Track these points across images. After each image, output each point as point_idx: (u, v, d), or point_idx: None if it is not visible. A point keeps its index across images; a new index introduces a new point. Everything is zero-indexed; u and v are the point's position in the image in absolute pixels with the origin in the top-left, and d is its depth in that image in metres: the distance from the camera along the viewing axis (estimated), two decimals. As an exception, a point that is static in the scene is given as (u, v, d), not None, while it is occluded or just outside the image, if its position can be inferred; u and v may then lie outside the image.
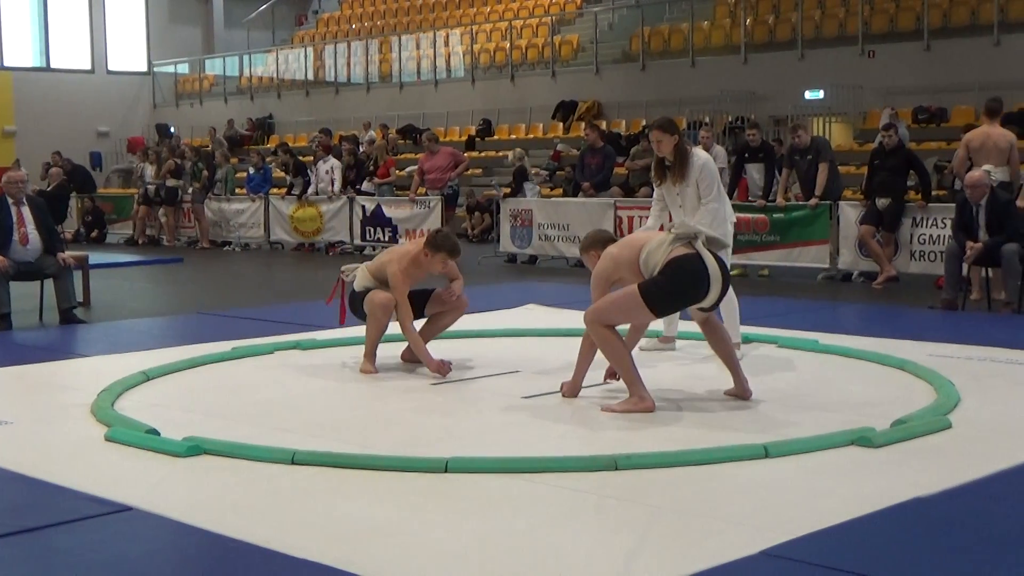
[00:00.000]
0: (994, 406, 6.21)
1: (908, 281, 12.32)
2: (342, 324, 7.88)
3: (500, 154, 23.65)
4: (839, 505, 4.38)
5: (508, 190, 17.02)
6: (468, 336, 8.34)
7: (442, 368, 7.05)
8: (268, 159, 21.52)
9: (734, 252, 8.02)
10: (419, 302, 7.48)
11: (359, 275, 7.41)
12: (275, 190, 20.03)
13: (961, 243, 10.17)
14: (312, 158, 19.66)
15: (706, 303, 6.19)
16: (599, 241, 6.58)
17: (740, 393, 6.34)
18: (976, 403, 6.19)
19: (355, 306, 7.44)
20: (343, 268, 7.63)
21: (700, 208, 7.46)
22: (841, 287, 12.66)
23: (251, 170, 20.23)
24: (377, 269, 7.32)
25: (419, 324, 7.46)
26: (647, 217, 8.05)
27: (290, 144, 21.82)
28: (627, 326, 6.54)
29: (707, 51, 22.18)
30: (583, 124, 21.83)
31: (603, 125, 20.18)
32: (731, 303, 7.51)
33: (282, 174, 20.41)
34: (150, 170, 21.18)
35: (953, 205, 11.04)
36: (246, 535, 4.12)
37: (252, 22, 33.72)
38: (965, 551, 3.94)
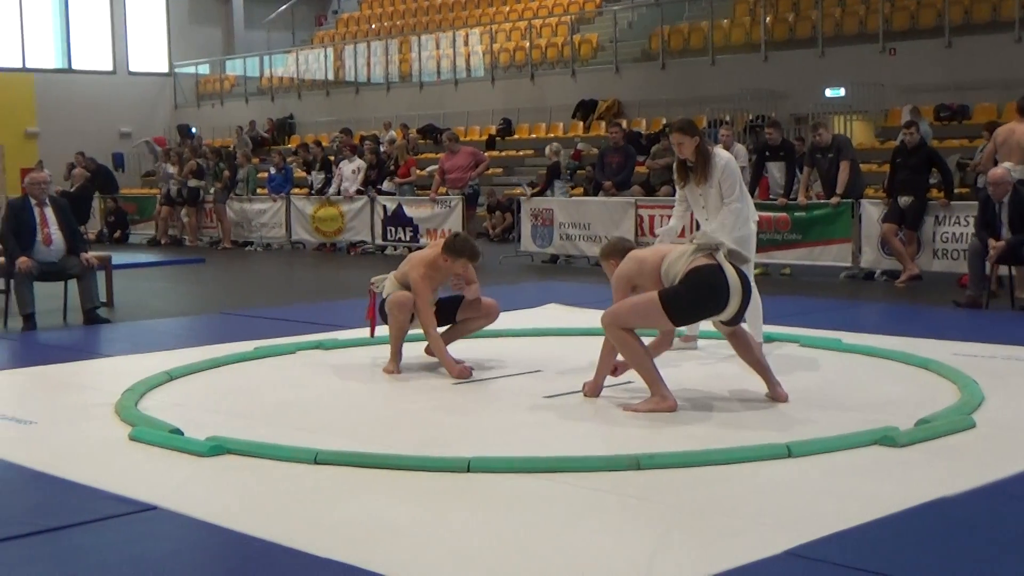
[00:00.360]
0: (1018, 405, 6.18)
1: (931, 279, 12.26)
2: (372, 336, 7.85)
3: (520, 153, 23.69)
4: (862, 505, 4.36)
5: (537, 188, 16.99)
6: (489, 336, 8.33)
7: (463, 372, 7.06)
8: (289, 159, 21.58)
9: (756, 251, 7.99)
10: (450, 309, 7.49)
11: (388, 284, 7.43)
12: (296, 190, 20.08)
13: (984, 241, 10.12)
14: (333, 158, 19.74)
15: (725, 316, 6.16)
16: (619, 250, 6.55)
17: (775, 397, 6.30)
18: (1000, 402, 6.16)
19: (384, 313, 7.46)
20: (372, 280, 7.63)
21: (722, 208, 7.45)
22: (863, 286, 12.62)
23: (272, 170, 20.28)
24: (402, 276, 7.34)
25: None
26: (668, 216, 8.04)
27: (309, 145, 21.85)
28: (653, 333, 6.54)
29: (727, 49, 22.13)
30: (603, 123, 21.84)
31: (623, 124, 20.15)
32: (755, 302, 7.48)
33: (303, 173, 20.45)
34: (172, 171, 21.27)
35: (976, 203, 10.99)
36: (269, 534, 4.13)
37: (272, 23, 33.81)
38: (989, 551, 3.93)
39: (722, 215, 7.44)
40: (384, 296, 7.40)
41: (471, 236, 8.46)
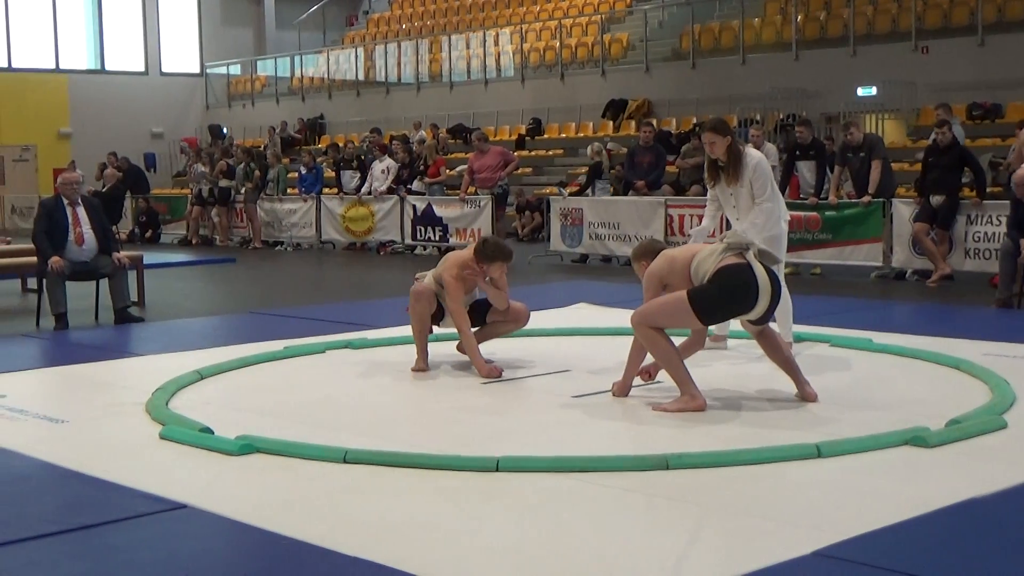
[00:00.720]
0: (1051, 406, 6.13)
1: (963, 279, 12.19)
2: None
3: (550, 153, 23.69)
4: (892, 505, 4.34)
5: (571, 189, 16.96)
6: (519, 336, 8.32)
7: (492, 372, 7.07)
8: (319, 159, 21.64)
9: (787, 250, 7.96)
10: (481, 311, 7.49)
11: (427, 279, 7.44)
12: (327, 190, 20.14)
13: (1016, 240, 10.05)
14: (363, 158, 19.79)
15: (754, 315, 6.14)
16: (651, 252, 6.54)
17: (804, 396, 6.28)
18: (1032, 403, 6.11)
19: None
20: (417, 275, 7.64)
21: (754, 208, 7.43)
22: (895, 285, 12.55)
23: (303, 170, 20.37)
24: (439, 275, 7.35)
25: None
26: (697, 216, 8.02)
27: (340, 144, 21.93)
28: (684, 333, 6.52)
29: (758, 48, 22.05)
30: (633, 123, 21.80)
31: (653, 123, 20.11)
32: (784, 302, 7.44)
33: (333, 173, 20.51)
34: (203, 170, 21.38)
35: (1008, 202, 10.91)
36: (298, 533, 4.15)
37: (303, 23, 33.94)
38: (1020, 553, 3.90)
39: (753, 215, 7.42)
40: None
41: (500, 237, 8.45)
